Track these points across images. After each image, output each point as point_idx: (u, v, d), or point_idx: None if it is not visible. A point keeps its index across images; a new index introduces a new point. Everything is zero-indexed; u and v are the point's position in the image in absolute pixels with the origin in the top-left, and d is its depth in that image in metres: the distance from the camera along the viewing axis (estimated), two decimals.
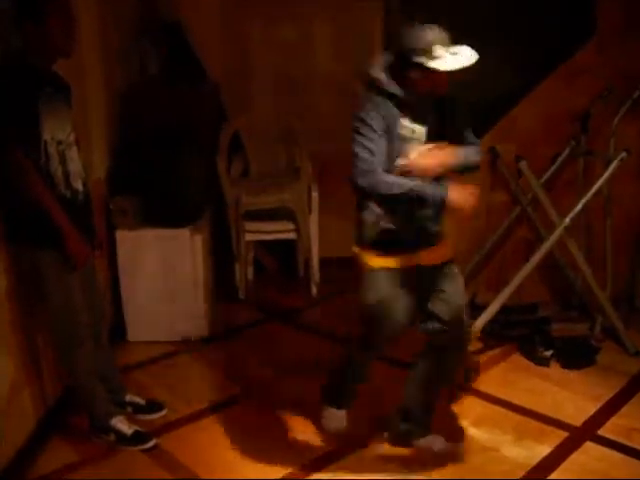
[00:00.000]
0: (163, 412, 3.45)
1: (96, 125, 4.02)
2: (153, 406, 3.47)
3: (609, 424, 3.30)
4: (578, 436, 3.19)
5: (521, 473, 2.92)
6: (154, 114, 4.38)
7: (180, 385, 3.76)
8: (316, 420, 3.31)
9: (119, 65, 4.52)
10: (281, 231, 4.79)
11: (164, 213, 4.15)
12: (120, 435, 3.16)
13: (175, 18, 4.87)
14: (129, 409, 3.41)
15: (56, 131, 2.80)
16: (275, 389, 3.69)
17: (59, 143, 2.82)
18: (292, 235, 4.80)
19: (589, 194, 3.83)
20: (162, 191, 4.14)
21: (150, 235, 4.10)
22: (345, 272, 5.14)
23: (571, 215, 3.82)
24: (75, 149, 2.94)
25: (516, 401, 3.51)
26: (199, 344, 4.21)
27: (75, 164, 2.92)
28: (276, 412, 3.45)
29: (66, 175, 2.85)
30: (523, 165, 3.90)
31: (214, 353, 4.15)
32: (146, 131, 4.32)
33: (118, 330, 4.18)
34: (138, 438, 3.18)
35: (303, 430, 3.28)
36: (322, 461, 3.05)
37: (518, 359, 3.97)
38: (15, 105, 2.66)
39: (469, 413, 3.41)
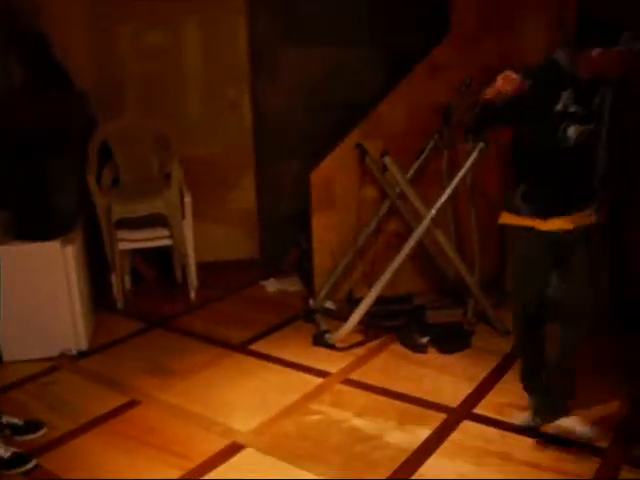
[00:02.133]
0: (43, 431, 3.34)
1: None
2: (31, 426, 3.35)
3: (483, 402, 3.46)
4: (456, 417, 3.33)
5: (404, 457, 3.02)
6: (18, 125, 4.22)
7: (60, 401, 3.65)
8: (204, 424, 3.32)
9: None
10: (155, 238, 4.73)
11: (34, 227, 4.03)
12: None
13: (38, 28, 4.72)
14: (7, 431, 3.28)
15: None
16: (161, 396, 3.65)
17: None
18: (167, 241, 4.75)
19: (452, 185, 3.99)
20: (30, 204, 4.02)
21: (19, 250, 3.95)
22: (223, 275, 5.28)
23: (436, 206, 3.98)
24: None
25: (397, 389, 3.62)
26: (78, 358, 4.10)
27: None
28: (165, 419, 3.43)
29: None
30: (387, 160, 4.02)
31: (93, 366, 4.05)
32: (10, 142, 4.16)
33: None
34: (17, 461, 3.06)
35: (192, 434, 3.27)
36: (212, 463, 3.05)
37: (397, 348, 4.09)
38: None
39: (353, 404, 3.49)
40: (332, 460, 3.04)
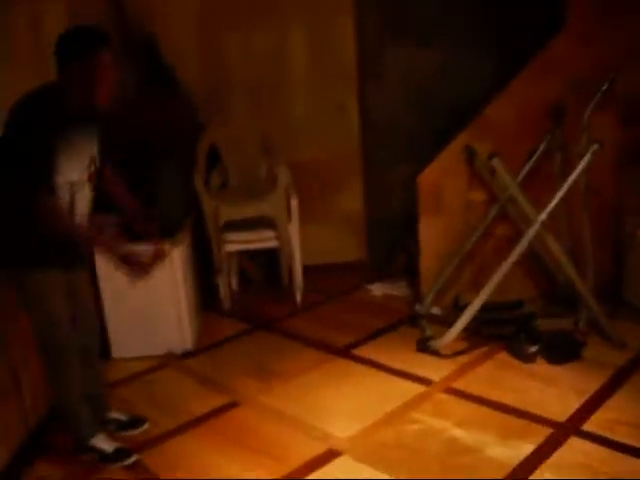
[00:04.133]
0: (145, 426, 3.43)
1: None
2: (135, 421, 3.45)
3: (593, 418, 3.27)
4: (562, 432, 3.16)
5: (505, 472, 2.89)
6: (129, 129, 4.36)
7: (163, 399, 3.74)
8: (302, 428, 3.32)
9: None
10: (261, 240, 4.76)
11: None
12: (102, 453, 3.16)
13: (149, 32, 4.86)
14: (112, 426, 3.39)
15: (70, 172, 2.85)
16: (261, 398, 3.67)
17: (72, 184, 2.88)
18: (273, 243, 4.78)
19: (563, 188, 3.81)
20: (140, 206, 4.12)
21: (129, 250, 4.06)
22: (330, 278, 5.27)
23: (547, 210, 3.80)
24: (88, 186, 2.98)
25: (501, 400, 3.48)
26: (183, 358, 4.19)
27: (83, 203, 2.98)
28: (264, 421, 3.44)
29: (71, 215, 2.92)
30: (496, 162, 3.87)
31: (197, 365, 4.12)
32: (121, 147, 4.29)
33: (102, 348, 4.15)
34: (119, 455, 3.16)
35: (289, 438, 3.27)
36: (308, 469, 3.03)
37: (504, 357, 3.94)
38: (35, 148, 2.72)
39: (453, 414, 3.39)
40: (429, 471, 2.96)
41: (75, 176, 2.88)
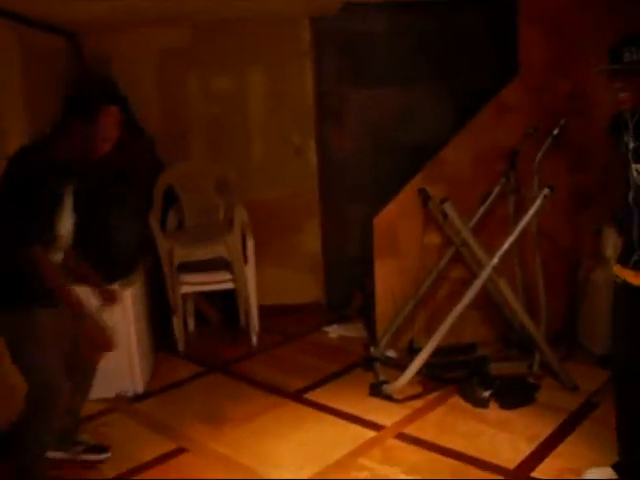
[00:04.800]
0: (107, 455, 3.48)
1: None
2: (101, 448, 3.50)
3: (543, 465, 3.24)
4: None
5: None
6: (84, 167, 4.32)
7: (110, 444, 3.64)
8: (250, 476, 3.25)
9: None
10: (217, 282, 4.73)
11: (93, 269, 4.07)
12: None
13: (108, 74, 4.85)
14: (79, 448, 3.45)
15: (61, 227, 2.92)
16: (211, 445, 3.60)
17: (57, 238, 2.93)
18: (229, 285, 4.74)
19: (515, 232, 3.83)
20: (91, 247, 4.07)
21: (79, 292, 3.99)
22: (287, 319, 5.24)
23: (498, 254, 3.81)
24: (63, 240, 3.01)
25: (452, 446, 3.45)
26: (133, 401, 4.11)
27: (59, 255, 3.02)
28: (211, 469, 3.36)
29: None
30: (447, 207, 3.89)
31: (147, 409, 4.04)
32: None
33: None
34: None
35: None
36: None
37: (456, 401, 3.92)
38: (40, 207, 2.78)
39: (403, 460, 3.34)
40: None
41: (63, 229, 2.94)
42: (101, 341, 2.98)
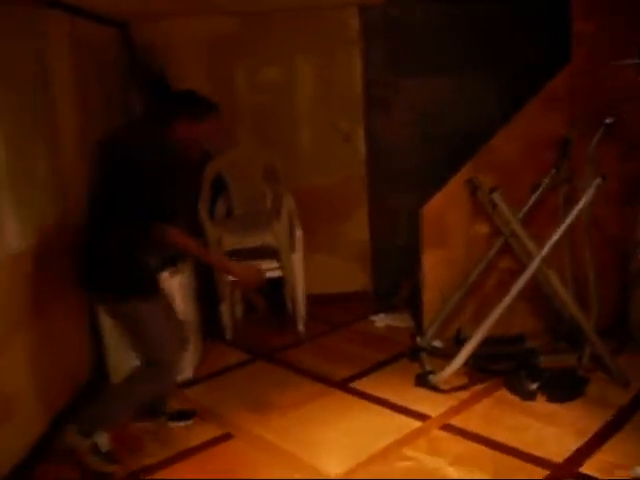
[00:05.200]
0: (191, 421, 3.75)
1: (71, 170, 4.02)
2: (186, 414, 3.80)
3: (592, 460, 3.18)
4: (559, 474, 3.09)
5: None
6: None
7: (160, 430, 3.71)
8: (295, 463, 3.28)
9: (103, 112, 4.52)
10: (265, 270, 4.73)
11: None
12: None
13: (158, 63, 4.90)
14: (163, 417, 3.74)
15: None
16: (257, 431, 3.63)
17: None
18: (277, 273, 4.75)
19: (565, 223, 3.76)
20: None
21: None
22: (334, 308, 5.24)
23: (548, 245, 3.75)
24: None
25: (498, 438, 3.41)
26: (182, 387, 4.15)
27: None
28: (257, 455, 3.40)
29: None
30: (496, 196, 3.84)
31: (195, 395, 4.09)
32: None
33: (101, 376, 4.16)
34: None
35: (281, 473, 3.23)
36: None
37: (503, 394, 3.87)
38: (179, 187, 3.13)
39: (448, 451, 3.33)
40: None
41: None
42: (257, 279, 3.52)
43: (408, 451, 3.36)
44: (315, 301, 5.08)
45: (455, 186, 4.38)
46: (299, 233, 4.79)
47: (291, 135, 5.19)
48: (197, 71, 5.06)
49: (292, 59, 5.12)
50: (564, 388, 3.82)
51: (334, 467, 3.25)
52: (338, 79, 5.13)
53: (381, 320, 5.03)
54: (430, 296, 4.55)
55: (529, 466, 3.17)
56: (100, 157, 3.20)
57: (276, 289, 5.19)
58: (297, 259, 4.80)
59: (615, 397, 3.74)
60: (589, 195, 3.74)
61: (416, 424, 3.61)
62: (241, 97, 5.16)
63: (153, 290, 3.22)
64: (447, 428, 3.55)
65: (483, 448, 3.35)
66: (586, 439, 3.36)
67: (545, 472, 3.11)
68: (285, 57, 5.10)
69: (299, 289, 4.86)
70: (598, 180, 3.70)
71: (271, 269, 4.73)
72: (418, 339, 4.47)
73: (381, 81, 5.04)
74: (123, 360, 4.02)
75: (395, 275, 5.25)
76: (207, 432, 3.64)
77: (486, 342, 3.94)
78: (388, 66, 5.01)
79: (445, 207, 4.42)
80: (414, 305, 4.93)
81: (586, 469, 3.12)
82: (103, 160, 3.18)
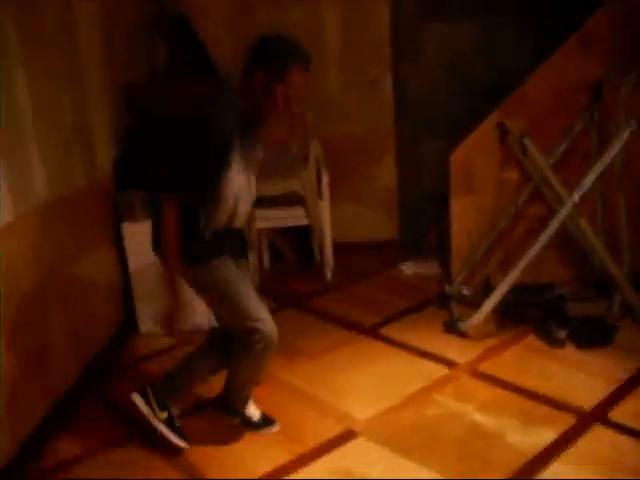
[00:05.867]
0: (276, 427, 3.24)
1: (99, 117, 4.00)
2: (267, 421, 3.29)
3: (621, 407, 3.19)
4: (587, 421, 3.09)
5: (523, 460, 2.84)
6: (161, 106, 4.34)
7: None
8: (322, 408, 3.31)
9: (126, 58, 4.49)
10: (292, 217, 4.73)
11: None
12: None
13: (181, 10, 4.83)
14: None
15: (228, 191, 2.76)
16: (284, 376, 3.65)
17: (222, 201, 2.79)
18: (304, 221, 4.74)
19: (597, 168, 3.69)
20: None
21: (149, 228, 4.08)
22: (362, 256, 5.23)
23: (579, 191, 3.69)
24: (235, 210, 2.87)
25: (526, 385, 3.42)
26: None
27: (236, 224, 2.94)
28: (284, 400, 3.44)
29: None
30: (527, 141, 3.77)
31: None
32: (153, 123, 4.29)
33: (130, 323, 4.21)
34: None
35: (308, 417, 3.26)
36: (323, 450, 3.02)
37: (532, 341, 3.87)
38: (207, 150, 2.66)
39: (476, 398, 3.34)
40: (446, 456, 2.92)
41: (233, 198, 2.78)
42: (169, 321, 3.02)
43: (437, 397, 3.38)
44: (342, 250, 5.05)
45: (484, 132, 4.30)
46: (326, 180, 4.75)
47: (318, 81, 5.08)
48: (219, 16, 4.98)
49: (319, 3, 5.02)
50: (593, 336, 3.80)
51: (362, 412, 3.28)
52: (366, 24, 5.01)
53: (409, 268, 5.01)
54: (458, 243, 4.52)
55: (557, 412, 3.18)
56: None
57: (303, 237, 5.20)
58: (324, 207, 4.77)
59: None
60: (622, 140, 3.66)
61: (444, 371, 3.63)
62: None
63: (206, 257, 2.83)
64: (475, 374, 3.56)
65: (511, 394, 3.36)
66: (615, 387, 3.36)
67: (573, 418, 3.11)
68: (311, 1, 5.00)
69: (326, 237, 4.84)
70: (632, 125, 3.62)
71: (298, 217, 4.72)
72: (446, 286, 4.46)
73: (410, 27, 4.92)
74: (149, 304, 4.07)
75: (423, 223, 5.20)
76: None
77: (515, 290, 3.93)
78: (417, 11, 4.89)
79: (474, 153, 4.35)
80: (442, 252, 4.90)
81: (614, 416, 3.13)
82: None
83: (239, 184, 2.78)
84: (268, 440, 3.13)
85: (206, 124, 2.68)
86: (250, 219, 4.62)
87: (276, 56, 2.67)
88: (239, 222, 2.93)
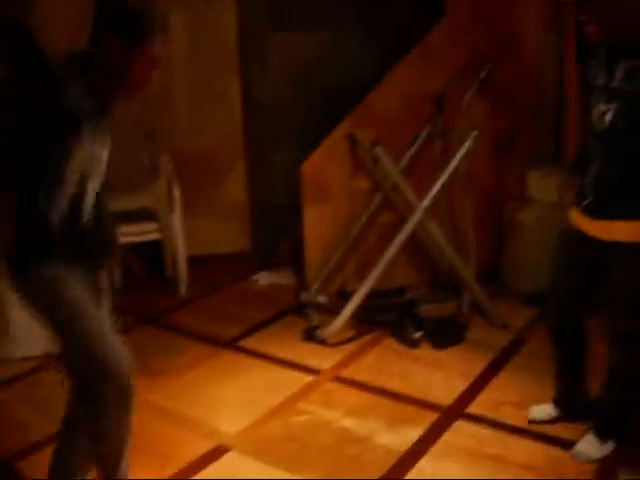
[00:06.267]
0: None
1: None
2: None
3: (478, 400, 3.35)
4: (448, 416, 3.21)
5: (394, 459, 2.91)
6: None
7: (44, 402, 3.53)
8: (190, 425, 3.22)
9: None
10: (143, 232, 4.62)
11: None
12: None
13: (21, 20, 4.59)
14: None
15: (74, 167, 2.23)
16: (145, 397, 3.52)
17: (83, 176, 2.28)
18: (156, 236, 4.64)
19: (445, 175, 3.87)
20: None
21: None
22: (215, 269, 5.17)
23: (429, 197, 3.85)
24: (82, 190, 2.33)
25: (389, 387, 3.51)
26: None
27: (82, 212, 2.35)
28: (149, 420, 3.29)
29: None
30: (379, 150, 3.89)
31: None
32: None
33: None
34: None
35: (177, 436, 3.17)
36: (196, 467, 2.94)
37: (390, 343, 3.98)
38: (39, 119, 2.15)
39: (342, 403, 3.38)
40: (319, 463, 2.93)
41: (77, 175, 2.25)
42: None
43: (302, 405, 3.39)
44: (196, 263, 4.98)
45: (334, 142, 4.40)
46: (177, 193, 4.66)
47: (166, 95, 5.01)
48: (65, 33, 4.77)
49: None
50: (446, 335, 3.97)
51: (231, 426, 3.23)
52: (211, 33, 4.98)
53: (263, 278, 5.02)
54: (312, 252, 4.57)
55: (420, 411, 3.28)
56: None
57: (153, 253, 5.07)
58: (176, 220, 4.68)
59: (495, 340, 3.94)
60: (466, 147, 3.85)
61: (308, 378, 3.65)
62: None
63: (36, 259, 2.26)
64: (339, 380, 3.61)
65: (375, 397, 3.44)
66: (471, 381, 3.52)
67: (436, 415, 3.22)
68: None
69: (180, 251, 4.75)
70: (475, 132, 3.82)
71: (150, 231, 4.62)
72: (302, 295, 4.50)
73: (256, 36, 4.95)
74: None
75: (275, 233, 5.24)
76: None
77: (370, 295, 4.02)
78: (263, 20, 4.92)
79: (325, 163, 4.43)
80: (296, 262, 4.94)
81: (473, 409, 3.27)
82: None
83: (87, 155, 2.26)
84: (138, 463, 3.00)
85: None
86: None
87: (135, 22, 2.18)
88: (86, 210, 2.34)
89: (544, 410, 3.12)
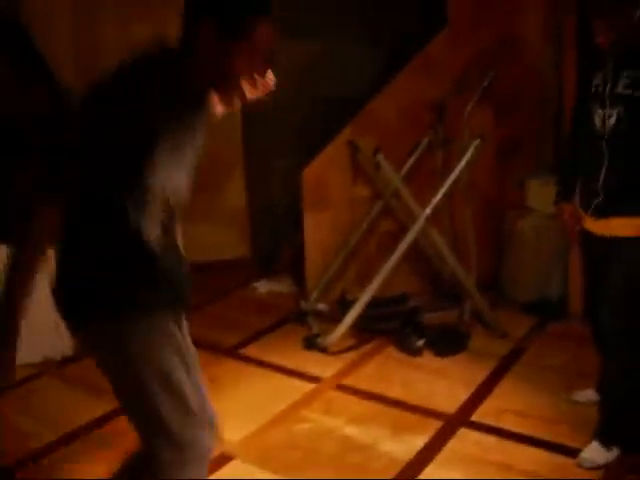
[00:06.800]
0: None
1: None
2: None
3: (481, 408, 3.34)
4: (452, 424, 3.21)
5: (398, 467, 2.90)
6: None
7: (43, 410, 3.52)
8: None
9: None
10: None
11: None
12: None
13: (14, 14, 4.57)
14: None
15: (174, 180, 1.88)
16: None
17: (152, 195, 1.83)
18: None
19: (447, 183, 3.87)
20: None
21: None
22: (215, 276, 5.14)
23: (431, 205, 3.86)
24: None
25: (391, 395, 3.50)
26: (63, 364, 3.97)
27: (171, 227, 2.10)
28: None
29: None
30: (381, 158, 3.89)
31: (78, 372, 3.90)
32: None
33: None
34: None
35: None
36: None
37: (392, 352, 3.98)
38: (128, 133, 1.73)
39: (345, 411, 3.37)
40: (323, 471, 2.92)
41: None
42: None
43: (305, 413, 3.38)
44: (195, 270, 4.92)
45: (336, 149, 4.41)
46: None
47: None
48: (61, 31, 4.77)
49: (165, 17, 4.90)
50: (448, 343, 3.96)
51: (234, 434, 3.20)
52: None
53: (263, 286, 5.01)
54: (312, 259, 4.57)
55: (424, 419, 3.27)
56: None
57: None
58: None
59: (496, 348, 3.94)
60: (468, 156, 3.86)
61: (310, 386, 3.64)
62: (110, 57, 4.89)
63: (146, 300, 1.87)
64: (341, 388, 3.61)
65: (378, 405, 3.43)
66: (473, 389, 3.52)
67: (440, 423, 3.22)
68: (158, 15, 4.89)
69: None
70: (477, 141, 3.83)
71: None
72: (302, 303, 4.49)
73: None
74: None
75: (275, 240, 5.23)
76: (95, 409, 3.46)
77: (371, 303, 4.01)
78: None
79: (326, 170, 4.43)
80: (296, 269, 4.93)
81: (477, 417, 3.27)
82: None
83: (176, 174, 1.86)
84: None
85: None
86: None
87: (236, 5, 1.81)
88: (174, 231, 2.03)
89: (585, 395, 3.21)
